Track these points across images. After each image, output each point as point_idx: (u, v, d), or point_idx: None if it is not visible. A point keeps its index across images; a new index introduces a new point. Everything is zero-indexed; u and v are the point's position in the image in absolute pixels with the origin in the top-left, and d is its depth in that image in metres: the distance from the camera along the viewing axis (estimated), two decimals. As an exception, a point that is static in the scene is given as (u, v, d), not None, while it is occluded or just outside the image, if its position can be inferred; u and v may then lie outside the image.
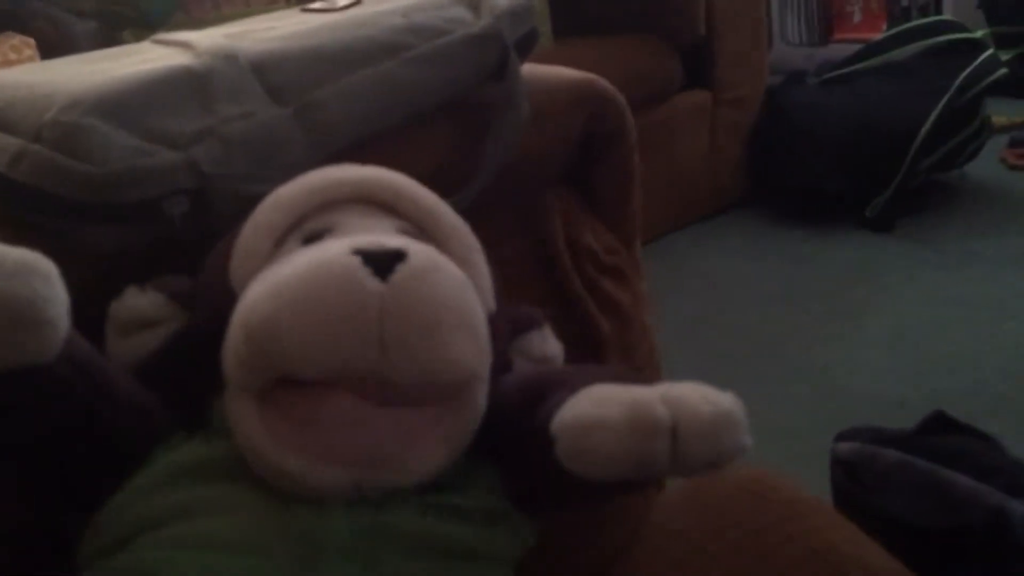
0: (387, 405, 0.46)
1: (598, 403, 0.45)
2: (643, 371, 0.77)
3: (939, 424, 0.89)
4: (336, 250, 0.46)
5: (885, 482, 0.83)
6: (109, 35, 1.47)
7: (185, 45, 0.66)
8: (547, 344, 0.61)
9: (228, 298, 0.49)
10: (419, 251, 0.47)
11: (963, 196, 2.13)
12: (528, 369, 0.58)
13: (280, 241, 0.51)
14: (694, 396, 0.44)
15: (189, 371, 0.51)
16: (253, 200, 0.53)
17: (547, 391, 0.49)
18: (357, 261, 0.45)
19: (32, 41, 1.36)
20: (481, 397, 0.49)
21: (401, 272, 0.45)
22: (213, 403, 0.50)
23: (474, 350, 0.48)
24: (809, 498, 0.73)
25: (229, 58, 0.61)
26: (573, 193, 0.77)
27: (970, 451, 0.84)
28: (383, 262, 0.45)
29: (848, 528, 0.69)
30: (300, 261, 0.47)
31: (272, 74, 0.62)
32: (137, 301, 0.53)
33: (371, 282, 0.44)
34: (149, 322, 0.53)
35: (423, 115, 0.68)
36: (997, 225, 1.95)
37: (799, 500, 0.73)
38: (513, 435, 0.51)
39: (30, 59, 1.37)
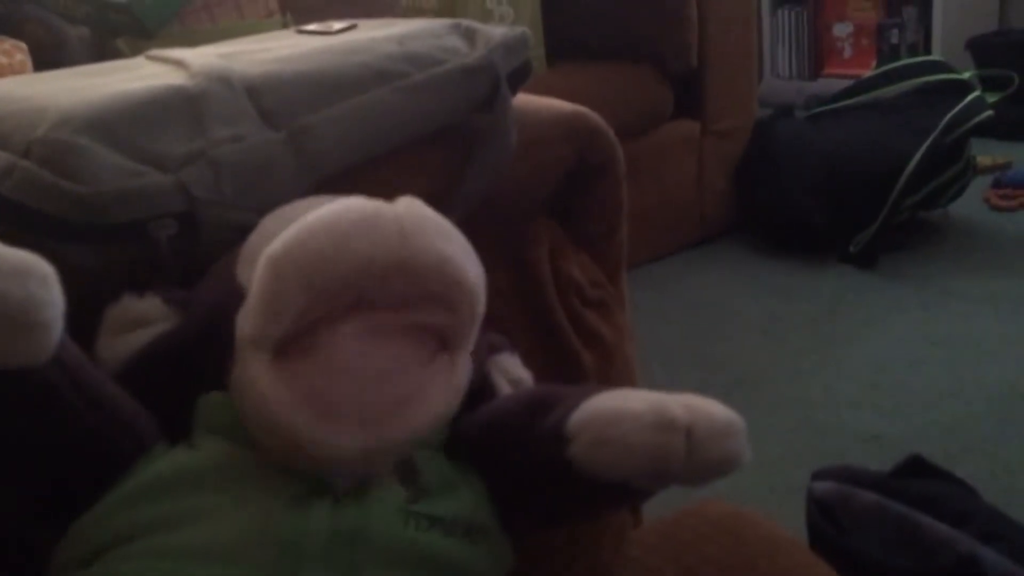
0: (396, 336, 0.47)
1: (622, 398, 0.47)
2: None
3: (915, 467, 0.89)
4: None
5: (860, 523, 0.84)
6: (102, 42, 1.47)
7: (179, 63, 0.66)
8: (519, 367, 0.62)
9: (234, 293, 0.49)
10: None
11: (946, 235, 2.16)
12: (527, 388, 0.60)
13: None
14: (705, 402, 0.47)
15: (175, 367, 0.51)
16: (240, 227, 0.53)
17: (553, 402, 0.51)
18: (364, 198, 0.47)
19: (24, 45, 1.35)
20: (466, 364, 0.50)
21: (403, 199, 0.47)
22: (196, 404, 0.50)
23: (477, 277, 0.49)
24: (784, 537, 0.73)
25: (223, 79, 0.61)
26: (559, 225, 0.77)
27: (945, 496, 0.84)
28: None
29: (822, 568, 0.69)
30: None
31: (266, 97, 0.62)
32: (134, 304, 0.54)
33: (379, 201, 0.47)
34: (143, 323, 0.53)
35: (414, 142, 0.68)
36: (979, 265, 1.97)
37: (774, 539, 0.73)
38: (515, 442, 0.52)
39: (22, 63, 1.36)
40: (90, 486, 0.47)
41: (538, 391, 0.56)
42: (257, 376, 0.45)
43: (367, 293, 0.46)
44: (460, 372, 0.50)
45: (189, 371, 0.50)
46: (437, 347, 0.49)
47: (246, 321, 0.46)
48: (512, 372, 0.61)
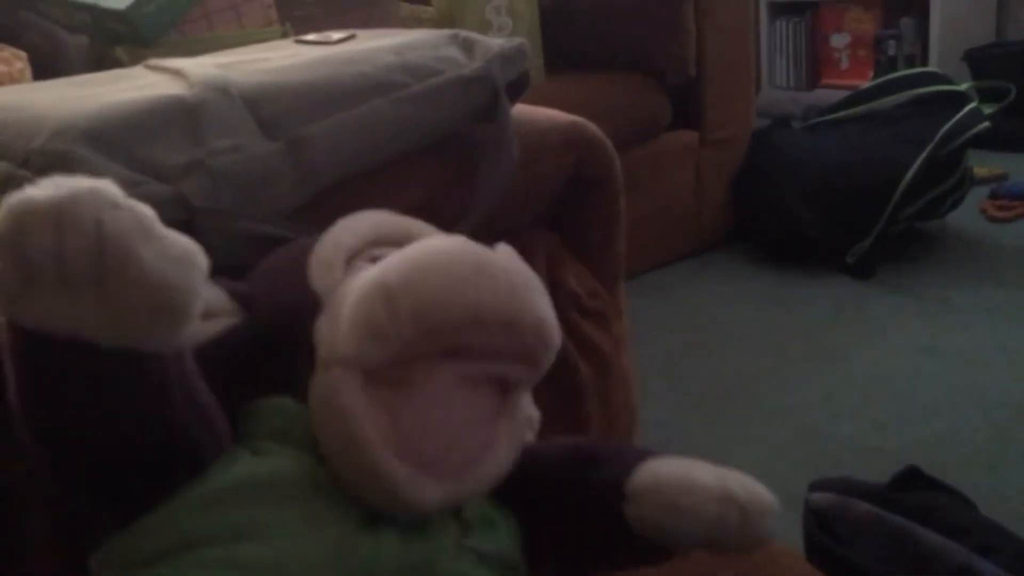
0: (479, 386, 0.47)
1: (687, 467, 0.51)
2: (620, 416, 0.77)
3: (912, 479, 0.89)
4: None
5: (856, 534, 0.84)
6: (101, 51, 1.47)
7: (177, 73, 0.66)
8: (531, 405, 0.62)
9: (308, 298, 0.49)
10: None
11: (943, 246, 2.16)
12: (565, 437, 0.60)
13: (349, 260, 0.53)
14: (752, 481, 0.51)
15: (241, 367, 0.51)
16: (239, 237, 0.53)
17: (603, 456, 0.54)
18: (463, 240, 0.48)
19: (23, 54, 1.35)
20: (523, 410, 0.52)
21: (503, 248, 0.48)
22: (258, 407, 0.50)
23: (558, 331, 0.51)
24: (781, 548, 0.73)
25: (221, 90, 0.62)
26: (558, 235, 0.77)
27: (941, 508, 0.84)
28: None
29: (818, 581, 0.69)
30: (414, 246, 0.47)
31: (264, 107, 0.62)
32: None
33: (486, 248, 0.47)
34: (208, 313, 0.52)
35: (412, 153, 0.68)
36: (976, 276, 1.97)
37: (770, 549, 0.73)
38: (563, 492, 0.54)
39: (21, 72, 1.36)
40: (167, 482, 0.46)
41: (581, 441, 0.58)
42: (349, 405, 0.44)
43: (468, 341, 0.46)
44: (522, 422, 0.51)
45: (254, 371, 0.50)
46: (501, 393, 0.50)
47: (341, 340, 0.46)
48: (525, 410, 0.62)
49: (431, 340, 0.45)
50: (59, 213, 0.38)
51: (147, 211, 0.40)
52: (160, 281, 0.39)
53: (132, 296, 0.39)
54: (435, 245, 0.47)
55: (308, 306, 0.48)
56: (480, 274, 0.46)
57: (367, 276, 0.47)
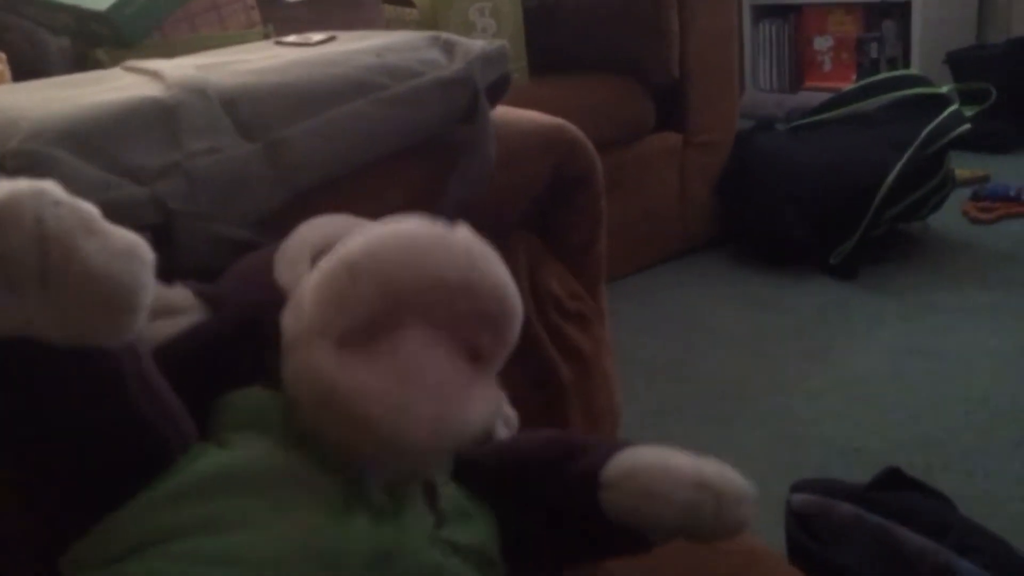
0: (445, 351, 0.48)
1: (662, 455, 0.51)
2: (602, 418, 0.77)
3: (893, 480, 0.90)
4: None
5: (838, 536, 0.84)
6: (82, 52, 1.46)
7: (155, 75, 0.65)
8: (507, 404, 0.63)
9: (273, 294, 0.50)
10: None
11: (926, 247, 2.17)
12: (544, 431, 0.61)
13: (315, 258, 0.52)
14: (728, 469, 0.52)
15: (206, 361, 0.51)
16: (215, 240, 0.52)
17: (579, 446, 0.54)
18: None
19: (3, 55, 1.34)
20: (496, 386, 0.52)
21: (461, 227, 0.49)
22: (225, 400, 0.50)
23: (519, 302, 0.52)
24: (763, 549, 0.73)
25: (199, 91, 0.61)
26: (539, 237, 0.77)
27: (922, 509, 0.85)
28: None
29: (799, 582, 0.69)
30: (373, 227, 0.48)
31: (242, 109, 0.62)
32: (162, 292, 0.53)
33: (444, 226, 0.49)
34: (169, 311, 0.53)
35: (392, 155, 0.68)
36: (958, 277, 1.99)
37: (752, 550, 0.73)
38: (540, 482, 0.54)
39: (0, 73, 1.35)
40: (133, 479, 0.46)
41: (557, 434, 0.59)
42: (323, 361, 0.45)
43: (430, 308, 0.47)
44: (495, 390, 0.51)
45: (219, 367, 0.50)
46: (472, 363, 0.50)
47: (307, 313, 0.46)
48: (502, 409, 0.63)
49: (394, 307, 0.46)
50: None
51: (89, 207, 0.40)
52: (104, 275, 0.39)
53: (77, 292, 0.39)
54: (393, 224, 0.48)
55: (274, 301, 0.49)
56: (438, 244, 0.47)
57: (329, 257, 0.47)
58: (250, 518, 0.45)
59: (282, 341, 0.47)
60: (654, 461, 0.51)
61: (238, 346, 0.50)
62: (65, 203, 0.39)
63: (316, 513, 0.46)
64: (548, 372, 0.73)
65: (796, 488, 0.92)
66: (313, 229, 0.55)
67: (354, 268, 0.46)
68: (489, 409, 0.50)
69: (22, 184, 0.38)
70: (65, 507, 0.47)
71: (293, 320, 0.47)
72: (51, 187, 0.39)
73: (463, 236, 0.48)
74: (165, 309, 0.52)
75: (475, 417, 0.48)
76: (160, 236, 0.55)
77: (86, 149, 0.55)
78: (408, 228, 0.48)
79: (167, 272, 0.54)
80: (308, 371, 0.45)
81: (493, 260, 0.49)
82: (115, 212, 0.53)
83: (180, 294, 0.53)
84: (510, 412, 0.63)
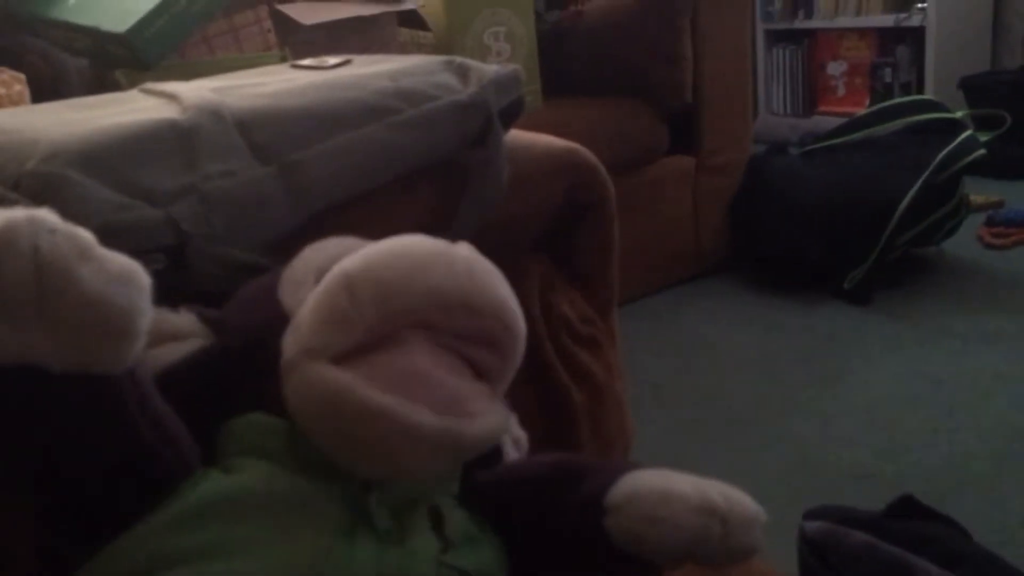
0: (449, 357, 0.48)
1: (665, 478, 0.51)
2: (614, 442, 0.77)
3: (907, 507, 0.88)
4: None
5: (851, 564, 0.83)
6: (101, 74, 1.47)
7: (172, 97, 0.66)
8: (517, 427, 0.62)
9: (278, 317, 0.50)
10: None
11: (940, 272, 2.16)
12: (546, 455, 0.60)
13: (319, 279, 0.52)
14: (737, 492, 0.51)
15: (211, 386, 0.51)
16: (229, 263, 0.53)
17: (583, 470, 0.53)
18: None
19: (23, 76, 1.36)
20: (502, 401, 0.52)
21: (464, 244, 0.49)
22: (228, 426, 0.49)
23: (524, 326, 0.51)
24: (776, 575, 0.73)
25: (215, 114, 0.62)
26: (551, 261, 0.77)
27: (937, 537, 0.84)
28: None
29: (812, 611, 0.68)
30: (374, 244, 0.48)
31: (257, 132, 0.62)
32: (168, 317, 0.53)
33: (446, 241, 0.49)
34: (176, 337, 0.53)
35: (405, 178, 0.68)
36: (972, 302, 1.97)
37: (765, 578, 0.72)
38: (544, 505, 0.53)
39: (20, 94, 1.37)
40: (135, 505, 0.46)
41: (564, 457, 0.58)
42: (324, 373, 0.45)
43: (430, 324, 0.47)
44: (504, 409, 0.51)
45: (224, 391, 0.50)
46: (476, 378, 0.50)
47: (304, 333, 0.46)
48: (512, 431, 0.63)
49: (393, 323, 0.46)
50: None
51: (85, 234, 0.40)
52: (100, 301, 0.39)
53: (74, 318, 0.39)
54: (394, 240, 0.48)
55: (278, 324, 0.49)
56: (439, 259, 0.47)
57: (328, 274, 0.47)
58: (254, 543, 0.45)
59: (282, 361, 0.47)
60: (657, 485, 0.50)
61: (242, 370, 0.50)
62: (61, 230, 0.40)
63: (321, 538, 0.45)
64: (559, 396, 0.73)
65: (809, 515, 0.91)
66: (319, 252, 0.55)
67: (352, 284, 0.46)
68: (495, 423, 0.49)
69: (18, 213, 0.39)
70: (66, 533, 0.47)
71: (292, 340, 0.47)
72: (46, 215, 0.40)
73: (464, 252, 0.48)
74: (170, 334, 0.52)
75: (479, 429, 0.47)
76: (174, 258, 0.55)
77: (102, 171, 0.55)
78: (407, 244, 0.48)
79: (180, 294, 0.55)
80: (308, 385, 0.45)
81: (495, 277, 0.49)
82: (129, 234, 0.54)
83: (185, 319, 0.53)
84: (520, 434, 0.62)
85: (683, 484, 0.50)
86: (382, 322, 0.46)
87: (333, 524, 0.46)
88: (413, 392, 0.45)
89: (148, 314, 0.42)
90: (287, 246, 0.59)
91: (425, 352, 0.47)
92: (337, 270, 0.47)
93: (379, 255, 0.47)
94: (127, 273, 0.41)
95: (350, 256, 0.47)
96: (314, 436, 0.46)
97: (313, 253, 0.55)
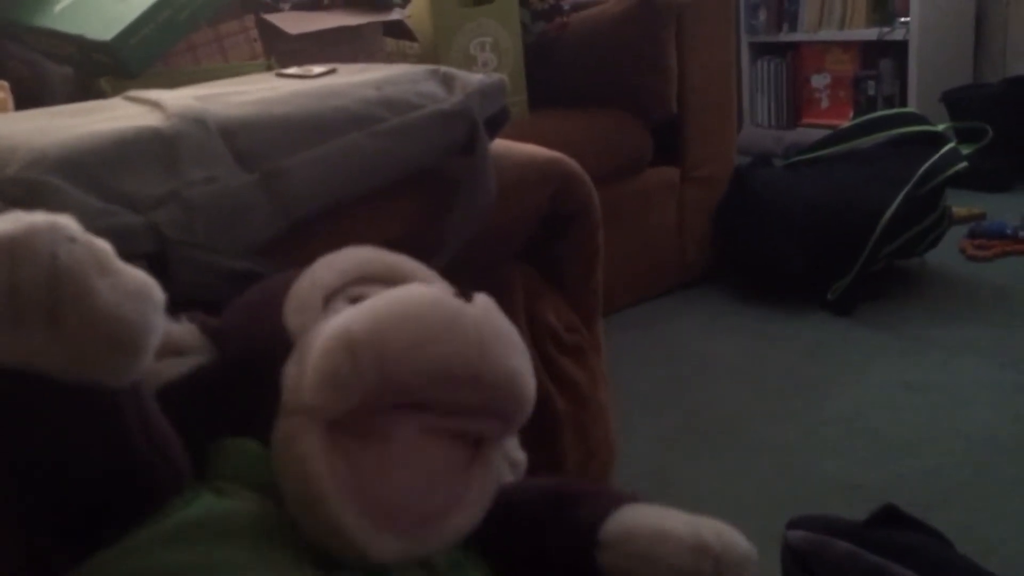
0: (446, 437, 0.47)
1: (660, 516, 0.51)
2: (598, 451, 0.77)
3: (890, 517, 0.89)
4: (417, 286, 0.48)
5: (834, 573, 0.83)
6: (86, 82, 1.47)
7: (155, 104, 0.66)
8: (517, 449, 0.62)
9: (281, 338, 0.49)
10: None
11: (923, 284, 2.17)
12: (541, 479, 0.60)
13: (328, 299, 0.52)
14: (730, 531, 0.51)
15: (209, 405, 0.50)
16: (211, 269, 0.52)
17: (575, 498, 0.53)
18: (440, 289, 0.47)
19: (6, 83, 1.35)
20: (498, 461, 0.51)
21: (480, 299, 0.47)
22: (223, 447, 0.49)
23: (534, 390, 0.50)
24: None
25: (198, 121, 0.62)
26: (536, 269, 0.77)
27: (919, 547, 0.84)
28: (461, 295, 0.48)
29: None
30: (384, 295, 0.47)
31: (241, 139, 0.62)
32: (170, 328, 0.52)
33: (460, 301, 0.47)
34: (177, 350, 0.52)
35: (389, 186, 0.68)
36: (955, 313, 1.99)
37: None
38: (536, 534, 0.53)
39: (3, 102, 1.36)
40: (125, 517, 0.46)
41: (559, 484, 0.58)
42: (309, 454, 0.44)
43: (431, 398, 0.46)
44: (494, 474, 0.50)
45: (223, 411, 0.50)
46: (474, 447, 0.49)
47: (305, 389, 0.45)
48: (511, 454, 0.62)
49: (394, 392, 0.44)
50: (13, 246, 0.38)
51: (104, 246, 0.40)
52: (114, 315, 0.39)
53: (86, 329, 0.39)
54: (405, 296, 0.46)
55: (280, 346, 0.48)
56: (449, 329, 0.45)
57: (334, 324, 0.46)
58: (237, 569, 0.44)
59: (281, 398, 0.46)
60: (651, 523, 0.50)
61: (241, 391, 0.50)
62: (80, 240, 0.39)
63: (304, 569, 0.45)
64: (543, 404, 0.73)
65: (792, 524, 0.91)
66: (329, 267, 0.53)
67: (354, 348, 0.44)
68: (485, 499, 0.49)
69: (39, 217, 0.38)
70: (55, 541, 0.46)
71: (293, 385, 0.46)
72: (67, 222, 0.39)
73: (476, 317, 0.46)
74: (172, 348, 0.52)
75: (460, 522, 0.47)
76: (155, 265, 0.55)
77: (83, 177, 0.55)
78: (417, 306, 0.45)
79: (169, 301, 0.54)
80: (292, 452, 0.44)
81: (508, 343, 0.47)
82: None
83: (188, 333, 0.53)
84: (519, 456, 0.62)
85: (677, 522, 0.50)
86: (382, 391, 0.44)
87: (316, 556, 0.46)
88: (385, 501, 0.45)
89: (159, 331, 0.42)
90: (270, 252, 0.59)
91: (412, 448, 0.46)
92: (342, 327, 0.45)
93: (386, 318, 0.45)
94: (143, 289, 0.41)
95: (357, 309, 0.46)
96: (280, 485, 0.46)
97: (323, 269, 0.53)
